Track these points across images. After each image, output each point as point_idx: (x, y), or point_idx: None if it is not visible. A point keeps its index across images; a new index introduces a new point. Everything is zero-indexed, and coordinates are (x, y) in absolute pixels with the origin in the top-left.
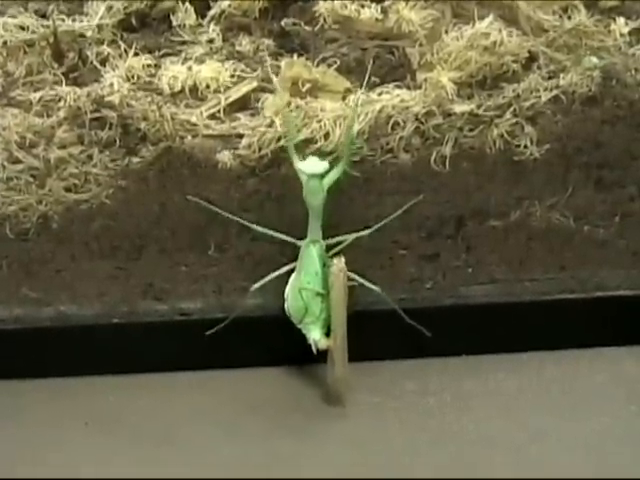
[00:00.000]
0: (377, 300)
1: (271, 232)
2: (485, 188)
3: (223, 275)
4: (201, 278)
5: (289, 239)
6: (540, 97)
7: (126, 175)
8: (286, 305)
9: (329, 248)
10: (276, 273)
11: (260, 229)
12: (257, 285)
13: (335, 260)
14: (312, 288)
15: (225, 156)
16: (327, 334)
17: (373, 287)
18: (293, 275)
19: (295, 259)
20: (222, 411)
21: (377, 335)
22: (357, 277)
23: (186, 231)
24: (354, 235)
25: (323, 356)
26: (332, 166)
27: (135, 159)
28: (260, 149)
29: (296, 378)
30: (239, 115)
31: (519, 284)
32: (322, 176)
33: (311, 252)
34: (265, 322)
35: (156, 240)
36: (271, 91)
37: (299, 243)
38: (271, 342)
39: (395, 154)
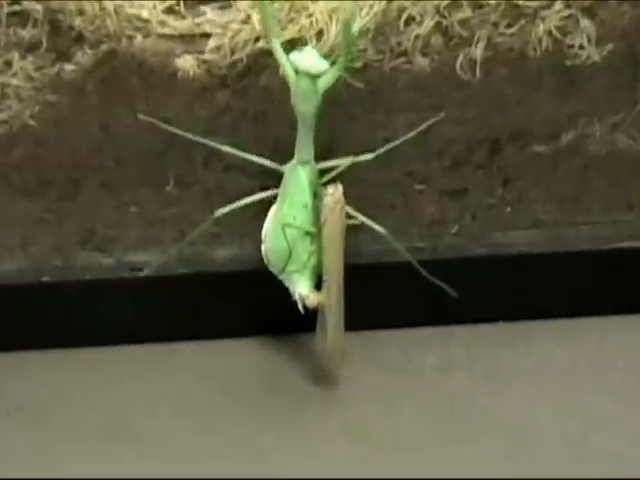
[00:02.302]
0: (386, 249)
1: (247, 155)
2: (527, 102)
3: (186, 218)
4: (157, 222)
5: (269, 163)
6: None
7: (56, 87)
8: (264, 248)
9: (322, 174)
10: (253, 197)
11: (232, 150)
12: (224, 210)
13: (330, 189)
14: (299, 225)
15: (187, 62)
16: (317, 287)
17: (379, 229)
18: (274, 208)
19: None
20: (186, 395)
21: (386, 296)
22: (358, 214)
23: (137, 160)
24: (354, 159)
25: (312, 321)
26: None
27: (68, 66)
28: (233, 53)
29: (278, 352)
30: (205, 9)
31: (572, 228)
32: (318, 76)
33: (299, 177)
34: (240, 280)
35: (97, 172)
36: None
37: (282, 168)
38: (248, 306)
39: (409, 58)
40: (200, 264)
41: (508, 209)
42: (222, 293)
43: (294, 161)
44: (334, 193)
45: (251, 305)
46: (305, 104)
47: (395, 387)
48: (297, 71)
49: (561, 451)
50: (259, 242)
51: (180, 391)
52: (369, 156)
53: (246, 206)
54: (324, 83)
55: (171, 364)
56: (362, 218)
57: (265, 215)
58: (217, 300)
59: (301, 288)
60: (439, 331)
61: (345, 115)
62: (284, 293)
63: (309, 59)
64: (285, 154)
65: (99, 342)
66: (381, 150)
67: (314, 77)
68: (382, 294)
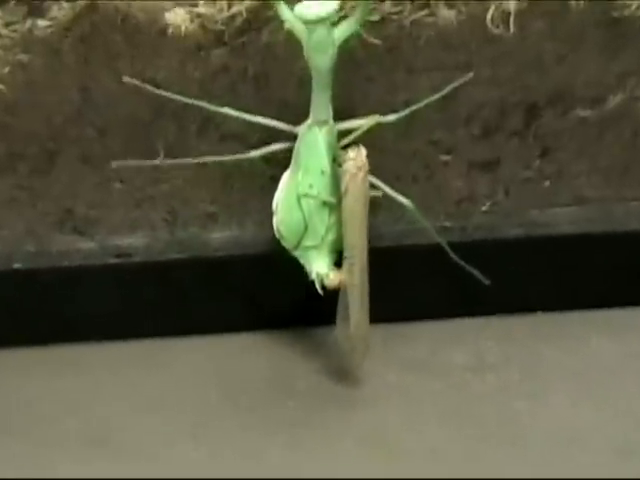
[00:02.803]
0: (409, 230)
1: (251, 116)
2: (569, 60)
3: (179, 195)
4: (145, 200)
5: (280, 125)
6: None
7: (29, 46)
8: (275, 220)
9: (340, 138)
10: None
11: (234, 112)
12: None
13: (351, 152)
14: (316, 194)
15: (178, 16)
16: (338, 265)
17: (405, 202)
18: (286, 175)
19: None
20: (181, 399)
21: (409, 284)
22: (382, 184)
23: (121, 129)
24: (380, 118)
25: (323, 313)
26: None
27: (42, 22)
28: (230, 6)
29: (286, 347)
30: None
31: (620, 205)
32: (332, 22)
33: (315, 138)
34: (243, 265)
35: (76, 143)
36: None
37: (296, 129)
38: (249, 295)
39: (432, 10)
40: (195, 249)
41: (547, 183)
42: (220, 281)
43: (309, 121)
44: (356, 157)
45: (253, 295)
46: (320, 57)
47: (420, 387)
48: (306, 22)
49: (610, 461)
50: (262, 222)
51: (174, 394)
52: (391, 117)
53: (246, 181)
54: (339, 34)
55: (163, 363)
56: (386, 189)
57: (269, 191)
58: (215, 290)
59: (319, 266)
60: (469, 324)
61: (361, 76)
62: (292, 280)
63: (316, 5)
64: (290, 119)
65: (79, 338)
66: (403, 112)
67: (327, 23)
68: (404, 281)
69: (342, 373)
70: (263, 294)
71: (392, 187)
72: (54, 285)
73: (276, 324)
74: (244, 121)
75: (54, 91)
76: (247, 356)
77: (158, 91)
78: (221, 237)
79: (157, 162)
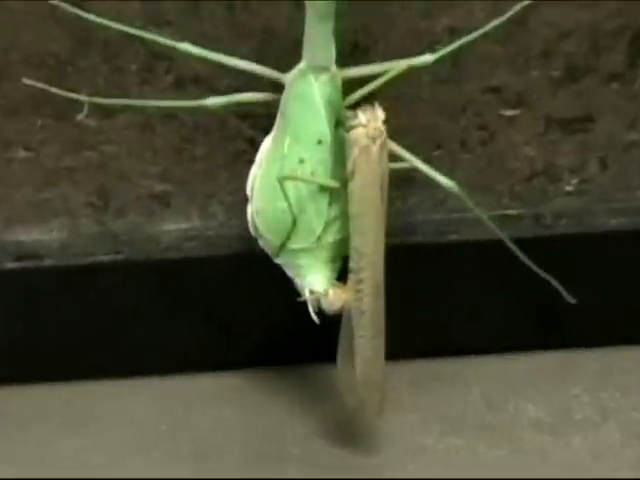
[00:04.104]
0: (454, 221)
1: (218, 55)
2: None
3: (111, 166)
4: (62, 175)
5: (260, 69)
6: None
7: None
8: (250, 211)
9: (345, 88)
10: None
11: (193, 50)
12: (219, 100)
13: (362, 114)
14: (309, 174)
15: None
16: (341, 279)
17: (446, 182)
18: (266, 143)
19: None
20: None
21: (453, 301)
22: (411, 155)
23: (29, 68)
24: (409, 61)
25: (319, 347)
26: None
27: None
28: None
29: (271, 394)
30: None
31: None
32: None
33: (310, 91)
34: (207, 272)
35: None
36: None
37: (284, 77)
38: (219, 315)
39: None
40: (136, 246)
41: None
42: (172, 295)
43: (302, 65)
44: (369, 121)
45: (220, 315)
46: None
47: (473, 455)
48: None
49: None
50: (234, 208)
51: (110, 451)
52: (428, 58)
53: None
54: None
55: (97, 410)
56: (418, 163)
57: (245, 162)
58: (165, 308)
59: (313, 280)
60: (546, 360)
61: None
62: (276, 297)
63: None
64: (276, 63)
65: None
66: (446, 49)
67: None
68: (445, 298)
69: (347, 435)
70: (234, 314)
71: (429, 160)
72: None
73: (253, 360)
74: (210, 62)
75: None
76: (208, 406)
77: (87, 15)
78: (175, 230)
79: (84, 97)
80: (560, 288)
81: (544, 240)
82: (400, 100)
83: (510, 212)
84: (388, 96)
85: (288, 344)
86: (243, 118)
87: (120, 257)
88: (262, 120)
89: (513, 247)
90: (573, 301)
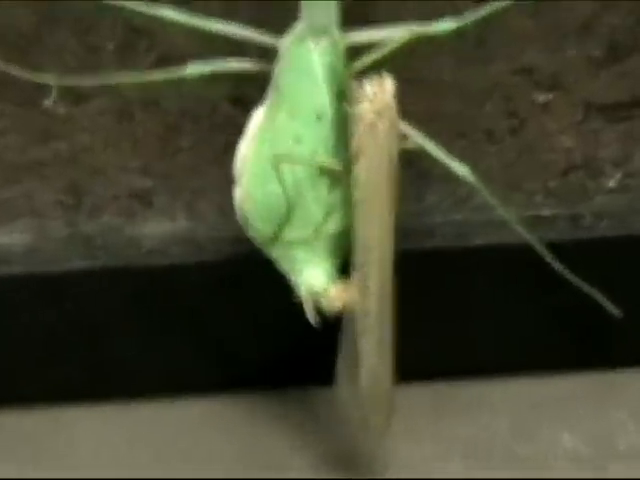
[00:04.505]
0: (478, 222)
1: (205, 21)
2: None
3: (84, 159)
4: (26, 170)
5: (251, 34)
6: None
7: None
8: (238, 196)
9: (350, 55)
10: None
11: (177, 16)
12: (203, 68)
13: (369, 86)
14: (307, 155)
15: None
16: (343, 274)
17: (461, 171)
18: (257, 117)
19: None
20: None
21: (476, 314)
22: (426, 141)
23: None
24: (426, 28)
25: (316, 366)
26: None
27: None
28: None
29: (265, 418)
30: None
31: None
32: None
33: (308, 58)
34: (194, 279)
35: None
36: None
37: (278, 42)
38: (207, 329)
39: None
40: (113, 251)
41: None
42: (156, 307)
43: (298, 28)
44: (377, 94)
45: (209, 331)
46: None
47: None
48: None
49: None
50: (225, 207)
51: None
52: (447, 24)
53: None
54: None
55: (66, 440)
56: (429, 146)
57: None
58: (147, 322)
59: (311, 275)
60: (584, 382)
61: None
62: (269, 306)
63: None
64: (269, 26)
65: None
66: (470, 17)
67: None
68: (471, 308)
69: (354, 467)
70: (226, 329)
71: (451, 144)
72: None
73: (246, 382)
74: (196, 32)
75: None
76: (196, 434)
77: None
78: (158, 232)
79: (51, 79)
80: (601, 299)
81: (583, 244)
82: (417, 83)
83: (543, 211)
84: (403, 78)
85: (287, 364)
86: (234, 103)
87: (95, 264)
88: (255, 102)
89: (546, 252)
90: (617, 314)
